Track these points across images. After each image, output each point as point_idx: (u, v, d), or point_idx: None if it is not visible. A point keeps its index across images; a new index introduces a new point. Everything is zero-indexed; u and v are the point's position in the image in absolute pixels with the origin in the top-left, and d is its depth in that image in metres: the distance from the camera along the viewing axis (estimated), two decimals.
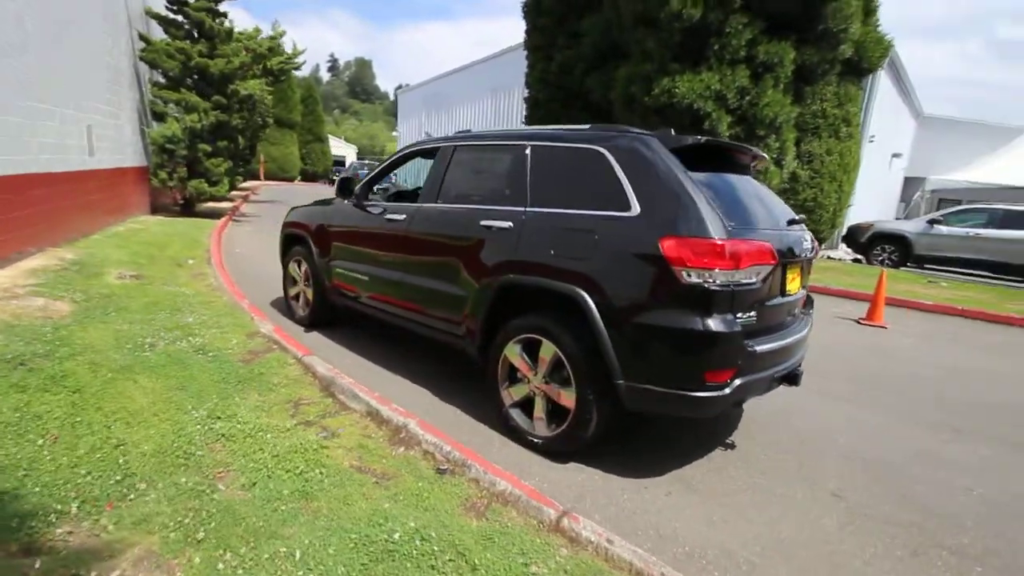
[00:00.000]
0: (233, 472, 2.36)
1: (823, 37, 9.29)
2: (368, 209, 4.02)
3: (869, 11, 10.54)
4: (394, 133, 31.02)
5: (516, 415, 2.94)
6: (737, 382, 2.38)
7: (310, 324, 4.75)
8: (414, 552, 1.91)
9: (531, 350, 2.86)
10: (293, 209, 5.15)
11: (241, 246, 8.89)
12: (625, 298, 2.43)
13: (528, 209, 2.88)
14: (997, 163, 15.26)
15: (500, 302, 2.95)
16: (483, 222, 3.04)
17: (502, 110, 22.04)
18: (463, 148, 3.46)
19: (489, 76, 21.87)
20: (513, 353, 2.91)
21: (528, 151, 3.00)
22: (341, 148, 46.39)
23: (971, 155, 16.61)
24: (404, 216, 3.58)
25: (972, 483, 2.86)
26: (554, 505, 2.17)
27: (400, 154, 4.02)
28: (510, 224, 2.91)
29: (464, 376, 3.84)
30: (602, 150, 2.67)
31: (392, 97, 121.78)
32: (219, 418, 2.83)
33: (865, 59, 10.76)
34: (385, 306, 3.82)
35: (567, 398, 2.68)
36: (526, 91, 13.65)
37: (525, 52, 13.25)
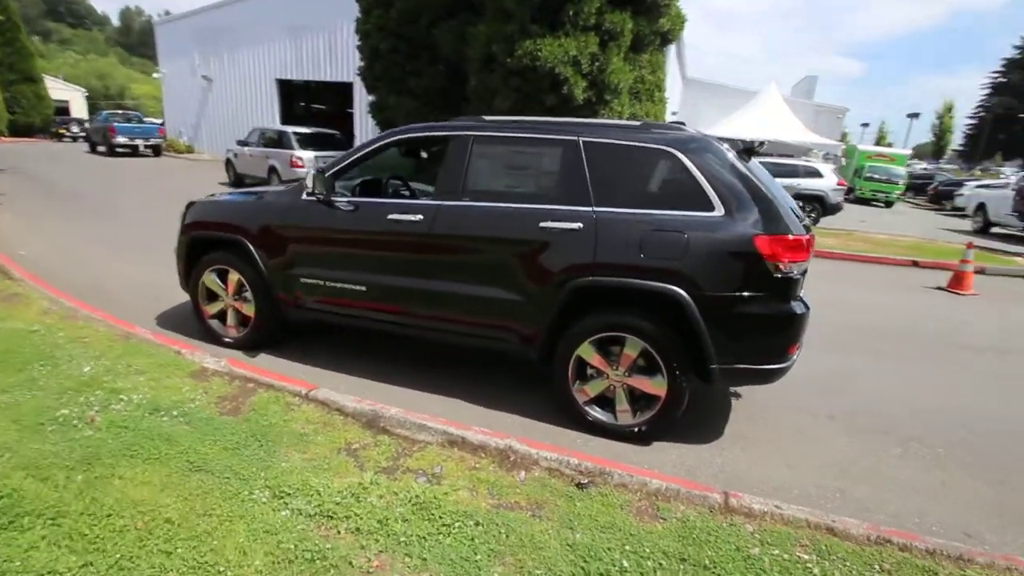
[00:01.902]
0: (387, 555, 2.00)
1: (651, 9, 10.42)
2: (341, 207, 3.42)
3: None
4: (155, 75, 24.83)
5: (595, 410, 3.03)
6: (799, 350, 2.88)
7: (253, 345, 3.92)
8: (655, 573, 1.96)
9: (606, 347, 2.95)
10: (193, 205, 4.04)
11: (22, 245, 6.52)
12: (722, 292, 2.68)
13: (597, 209, 2.86)
14: (742, 119, 19.45)
15: (571, 304, 2.93)
16: (543, 223, 2.91)
17: (308, 55, 19.40)
18: (486, 139, 3.16)
19: (286, 12, 18.84)
20: (589, 352, 2.95)
21: (581, 147, 2.93)
22: (62, 90, 35.58)
23: (723, 112, 20.80)
24: (420, 216, 3.17)
25: (884, 390, 3.95)
26: (714, 489, 2.41)
27: (381, 142, 3.44)
28: (579, 225, 2.85)
29: (485, 376, 3.70)
30: (676, 152, 2.78)
31: (117, 22, 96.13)
32: (289, 495, 2.30)
33: (671, 31, 12.41)
34: (395, 318, 3.39)
35: (655, 387, 2.88)
36: (358, 39, 12.30)
37: None
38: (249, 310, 3.84)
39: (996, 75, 47.33)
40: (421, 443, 2.79)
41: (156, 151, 20.57)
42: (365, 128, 19.28)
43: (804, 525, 2.25)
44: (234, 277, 3.82)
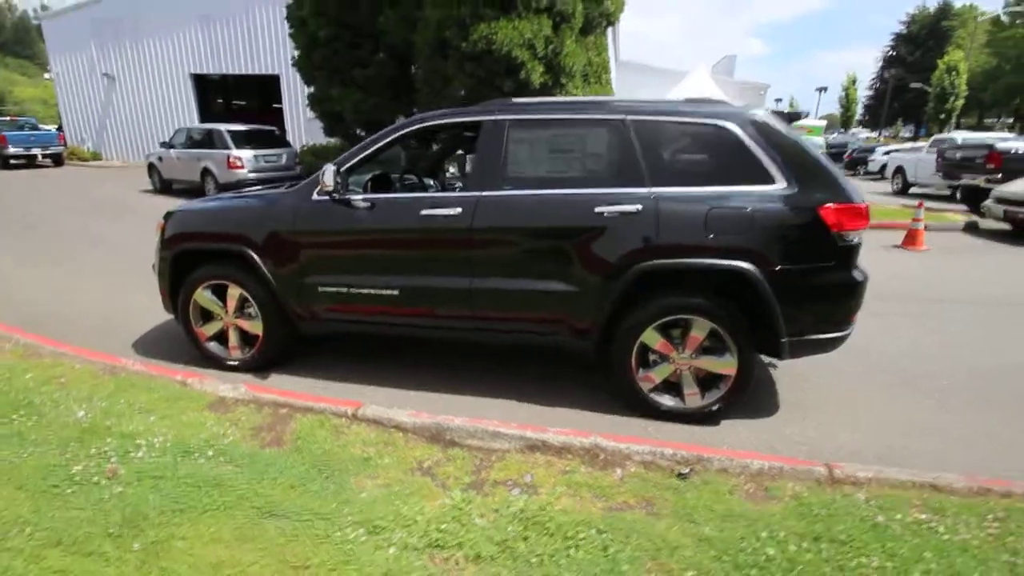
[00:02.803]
0: None
1: None
2: (362, 205, 3.12)
3: None
4: (46, 75, 22.16)
5: (663, 396, 2.95)
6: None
7: (263, 366, 3.53)
8: (803, 556, 1.91)
9: (667, 330, 2.87)
10: (175, 214, 3.55)
11: None
12: (790, 264, 2.65)
13: (654, 190, 2.75)
14: (674, 98, 20.13)
15: (633, 290, 2.82)
16: (599, 208, 2.77)
17: (226, 46, 17.96)
18: (523, 123, 2.95)
19: None
20: (653, 337, 2.86)
21: (631, 127, 2.80)
22: None
23: (656, 93, 21.40)
24: (459, 210, 2.93)
25: (896, 347, 4.12)
26: (817, 462, 2.40)
27: (398, 132, 3.13)
28: (638, 207, 2.74)
29: (521, 371, 3.53)
30: (730, 126, 2.71)
31: None
32: (384, 528, 2.06)
33: (614, 12, 12.50)
34: (433, 321, 3.15)
35: (724, 366, 2.83)
36: (289, 26, 11.46)
37: None
38: (255, 327, 3.45)
39: (887, 49, 51.90)
40: (498, 452, 2.60)
41: (57, 160, 18.37)
42: (298, 123, 18.20)
43: (910, 486, 2.28)
44: (235, 292, 3.41)
